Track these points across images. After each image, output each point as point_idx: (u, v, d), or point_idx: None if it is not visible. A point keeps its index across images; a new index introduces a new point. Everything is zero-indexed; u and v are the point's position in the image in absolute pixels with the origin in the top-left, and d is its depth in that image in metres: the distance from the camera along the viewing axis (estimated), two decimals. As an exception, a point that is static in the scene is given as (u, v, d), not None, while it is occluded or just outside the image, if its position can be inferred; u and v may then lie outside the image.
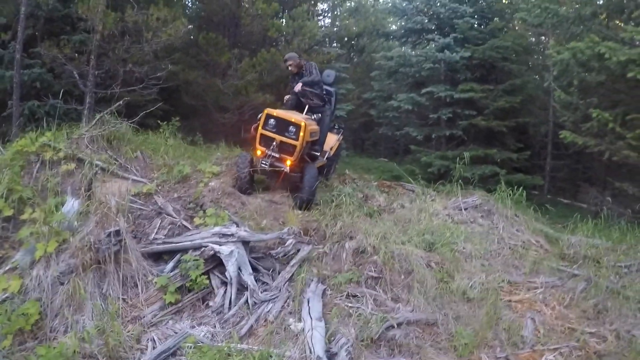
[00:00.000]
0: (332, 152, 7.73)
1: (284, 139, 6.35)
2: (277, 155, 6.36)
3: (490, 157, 12.05)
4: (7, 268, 4.15)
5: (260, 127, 6.47)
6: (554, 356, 4.02)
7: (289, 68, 7.54)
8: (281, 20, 12.71)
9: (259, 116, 6.59)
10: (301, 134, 6.29)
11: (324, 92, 7.61)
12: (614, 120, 8.13)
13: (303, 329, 3.81)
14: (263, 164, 6.32)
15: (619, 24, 9.82)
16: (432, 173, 12.00)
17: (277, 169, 6.42)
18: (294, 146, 6.34)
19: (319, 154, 7.15)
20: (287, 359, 3.51)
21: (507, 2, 15.19)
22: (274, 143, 6.34)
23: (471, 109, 12.80)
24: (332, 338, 3.87)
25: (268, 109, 6.61)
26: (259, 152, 6.46)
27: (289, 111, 6.90)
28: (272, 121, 6.42)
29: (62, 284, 3.89)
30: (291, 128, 6.34)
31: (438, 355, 3.94)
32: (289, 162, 6.39)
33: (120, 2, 9.90)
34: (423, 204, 6.91)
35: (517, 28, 15.04)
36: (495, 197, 7.35)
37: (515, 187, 7.56)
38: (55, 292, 3.87)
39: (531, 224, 6.94)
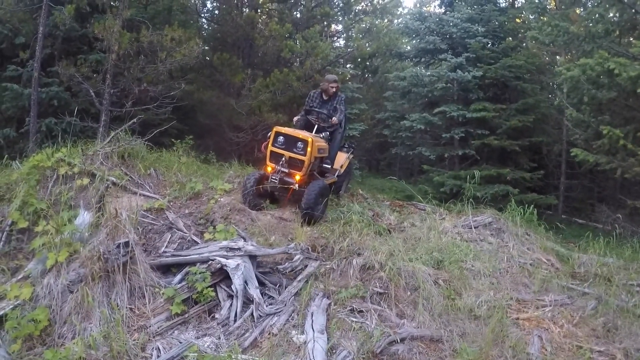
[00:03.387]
0: (342, 170, 7.88)
1: (292, 154, 6.60)
2: (286, 171, 6.57)
3: (503, 177, 11.97)
4: (20, 277, 4.30)
5: (269, 145, 6.72)
6: (560, 374, 3.99)
7: (332, 90, 7.58)
8: (294, 41, 12.86)
9: (269, 134, 6.83)
10: (309, 149, 6.52)
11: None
12: (626, 137, 8.08)
13: (305, 342, 3.84)
14: (273, 179, 6.50)
15: (633, 41, 9.80)
16: (445, 192, 11.92)
17: (286, 185, 6.56)
18: (302, 161, 6.57)
19: (329, 167, 7.38)
20: (287, 370, 3.55)
21: (520, 21, 15.26)
22: (283, 159, 6.56)
23: (484, 128, 12.78)
24: (334, 351, 3.89)
25: (277, 127, 6.88)
26: (269, 169, 6.68)
27: (297, 129, 7.10)
28: (281, 138, 6.68)
29: (71, 292, 4.00)
30: (299, 144, 6.58)
31: (441, 371, 3.93)
32: (297, 177, 6.60)
33: (136, 22, 10.15)
34: (433, 223, 6.91)
35: (530, 47, 15.04)
36: (506, 215, 7.32)
37: (528, 206, 7.53)
38: (65, 300, 3.98)
39: (542, 243, 6.88)
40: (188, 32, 10.47)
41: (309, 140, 6.53)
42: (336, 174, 7.66)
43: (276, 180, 6.49)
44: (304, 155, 6.55)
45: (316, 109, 7.47)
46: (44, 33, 9.44)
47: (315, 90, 7.95)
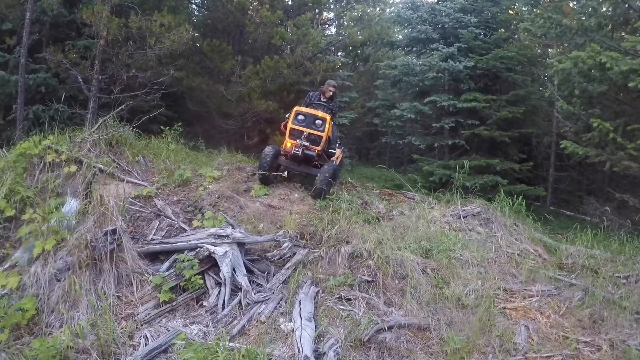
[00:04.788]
0: (337, 161, 8.09)
1: (311, 131, 7.36)
2: (307, 144, 7.31)
3: (493, 167, 12.00)
4: (6, 265, 4.26)
5: (289, 122, 7.45)
6: (546, 364, 4.03)
7: (331, 93, 8.16)
8: (285, 28, 12.74)
9: (288, 115, 7.71)
10: (326, 126, 7.40)
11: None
12: (615, 131, 8.12)
13: (293, 329, 3.85)
14: (296, 150, 7.23)
15: (625, 35, 9.81)
16: (434, 182, 11.92)
17: (308, 157, 7.28)
18: (321, 137, 7.41)
19: (334, 152, 7.99)
20: (275, 358, 3.54)
21: (512, 12, 15.23)
22: (304, 135, 7.31)
23: (474, 118, 12.79)
24: (321, 338, 3.91)
25: (297, 107, 7.72)
26: (288, 144, 7.40)
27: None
28: (300, 117, 7.46)
29: (58, 280, 3.97)
30: (317, 122, 7.39)
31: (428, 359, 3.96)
32: (316, 151, 7.38)
33: (125, 8, 10.01)
34: (422, 212, 6.92)
35: (522, 39, 15.02)
36: (495, 206, 7.35)
37: (517, 197, 7.57)
38: (52, 288, 3.95)
39: (530, 234, 6.91)
40: (178, 18, 10.36)
41: (327, 118, 7.41)
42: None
43: (299, 151, 7.20)
44: (322, 132, 7.38)
45: (317, 102, 8.03)
46: (31, 19, 9.29)
47: (315, 92, 8.51)
